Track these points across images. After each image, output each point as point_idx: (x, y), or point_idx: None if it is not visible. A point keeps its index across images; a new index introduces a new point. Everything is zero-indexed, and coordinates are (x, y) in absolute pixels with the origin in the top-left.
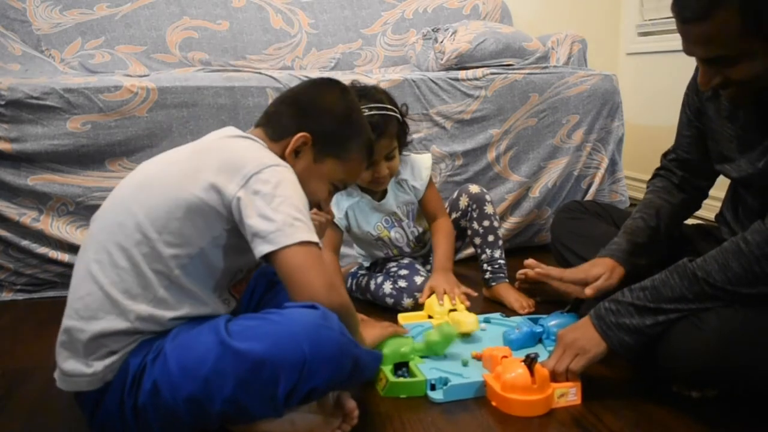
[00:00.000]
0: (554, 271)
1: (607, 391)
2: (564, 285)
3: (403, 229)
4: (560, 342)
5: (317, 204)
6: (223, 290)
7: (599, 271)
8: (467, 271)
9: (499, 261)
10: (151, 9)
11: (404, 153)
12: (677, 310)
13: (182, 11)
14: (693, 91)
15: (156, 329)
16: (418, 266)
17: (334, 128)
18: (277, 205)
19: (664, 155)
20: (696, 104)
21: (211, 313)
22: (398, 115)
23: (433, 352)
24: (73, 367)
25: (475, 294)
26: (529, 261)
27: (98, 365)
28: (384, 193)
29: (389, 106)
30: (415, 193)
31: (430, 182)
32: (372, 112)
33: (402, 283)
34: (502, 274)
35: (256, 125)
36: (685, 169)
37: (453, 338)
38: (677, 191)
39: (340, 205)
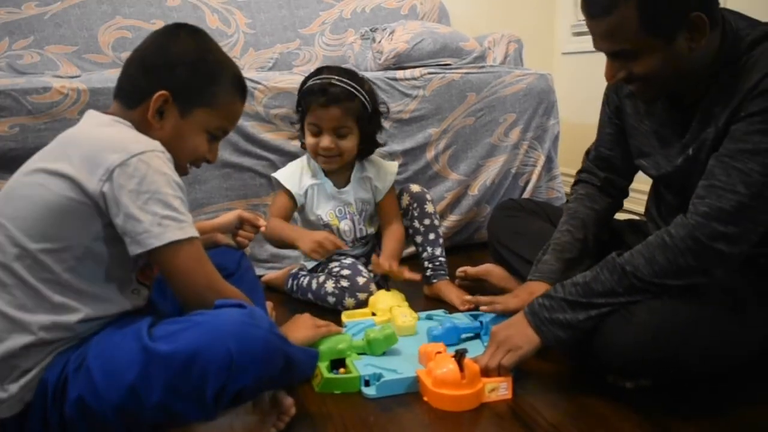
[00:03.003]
0: (498, 306)
1: (544, 383)
2: (502, 285)
3: (353, 223)
4: (494, 338)
5: (203, 158)
6: (126, 282)
7: None
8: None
9: (440, 258)
10: (82, 8)
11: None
12: (608, 304)
13: (114, 10)
14: (612, 89)
15: (66, 336)
16: (360, 267)
17: (191, 77)
18: (143, 204)
19: (587, 153)
20: (615, 102)
21: (121, 311)
22: (363, 98)
23: (371, 350)
24: None
25: (418, 278)
26: (465, 269)
27: (13, 387)
28: (347, 182)
29: (355, 84)
30: (375, 193)
31: (392, 188)
32: (336, 83)
33: (344, 283)
34: (443, 272)
35: (114, 97)
36: (607, 168)
37: (394, 341)
38: (600, 196)
39: (303, 182)
